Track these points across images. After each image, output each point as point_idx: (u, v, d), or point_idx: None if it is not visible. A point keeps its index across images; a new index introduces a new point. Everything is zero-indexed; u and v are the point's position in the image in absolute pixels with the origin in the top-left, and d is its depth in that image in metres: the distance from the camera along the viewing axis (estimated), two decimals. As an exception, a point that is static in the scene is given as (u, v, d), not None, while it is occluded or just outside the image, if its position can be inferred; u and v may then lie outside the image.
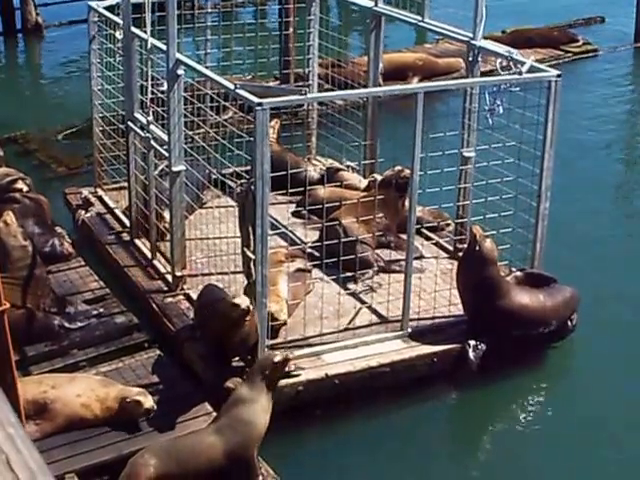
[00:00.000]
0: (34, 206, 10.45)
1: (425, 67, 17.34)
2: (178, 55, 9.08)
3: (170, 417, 7.82)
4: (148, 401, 7.66)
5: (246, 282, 8.52)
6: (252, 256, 8.21)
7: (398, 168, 10.35)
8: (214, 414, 7.71)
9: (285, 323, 8.93)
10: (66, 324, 8.94)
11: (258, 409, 7.29)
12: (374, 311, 9.34)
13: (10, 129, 14.90)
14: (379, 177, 10.89)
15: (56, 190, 12.34)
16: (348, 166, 11.92)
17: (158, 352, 8.81)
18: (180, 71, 9.10)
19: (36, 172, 13.11)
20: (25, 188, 10.58)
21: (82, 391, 7.69)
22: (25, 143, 14.59)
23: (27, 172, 11.48)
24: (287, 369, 7.64)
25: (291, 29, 15.12)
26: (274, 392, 7.45)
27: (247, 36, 13.01)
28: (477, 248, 8.92)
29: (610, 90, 17.73)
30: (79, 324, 9.01)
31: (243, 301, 7.98)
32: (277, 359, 7.43)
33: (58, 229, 10.70)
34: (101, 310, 9.28)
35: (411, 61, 17.45)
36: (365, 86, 11.59)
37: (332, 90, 12.37)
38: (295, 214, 11.18)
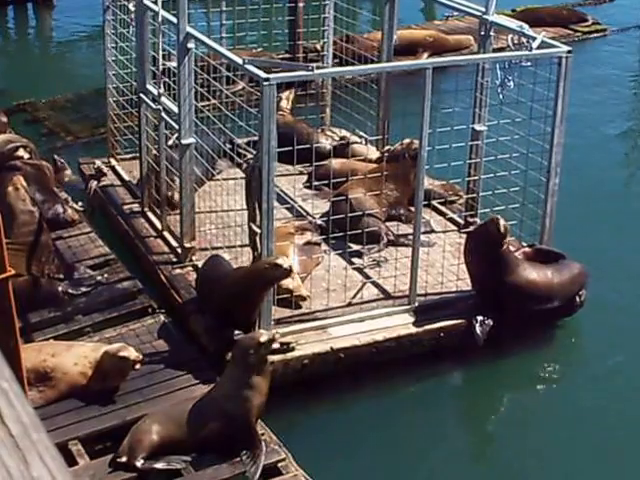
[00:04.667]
0: (36, 173, 10.31)
1: (435, 44, 17.41)
2: (189, 29, 9.08)
3: (174, 383, 7.86)
4: (132, 353, 7.60)
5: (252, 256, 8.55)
6: (258, 230, 8.23)
7: (407, 141, 10.34)
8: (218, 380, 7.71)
9: (305, 298, 8.89)
10: (70, 290, 8.95)
11: (248, 391, 7.22)
12: (381, 285, 9.33)
13: (19, 97, 14.89)
14: (392, 149, 10.89)
15: (64, 159, 12.31)
16: (361, 137, 11.87)
17: (163, 317, 8.83)
18: (190, 44, 9.09)
19: (45, 141, 13.15)
20: (26, 156, 10.43)
21: (77, 359, 7.70)
22: (34, 112, 14.57)
23: (36, 141, 11.50)
24: (274, 347, 7.41)
25: (301, 2, 15.08)
26: (265, 369, 7.33)
27: (262, 8, 12.98)
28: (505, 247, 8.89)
29: (618, 70, 17.65)
30: (83, 290, 9.02)
31: (285, 261, 7.94)
32: (263, 339, 7.21)
33: (63, 194, 10.69)
34: (106, 275, 9.30)
35: (421, 37, 17.50)
36: (378, 60, 11.54)
37: (344, 64, 12.33)
38: (306, 186, 11.21)
